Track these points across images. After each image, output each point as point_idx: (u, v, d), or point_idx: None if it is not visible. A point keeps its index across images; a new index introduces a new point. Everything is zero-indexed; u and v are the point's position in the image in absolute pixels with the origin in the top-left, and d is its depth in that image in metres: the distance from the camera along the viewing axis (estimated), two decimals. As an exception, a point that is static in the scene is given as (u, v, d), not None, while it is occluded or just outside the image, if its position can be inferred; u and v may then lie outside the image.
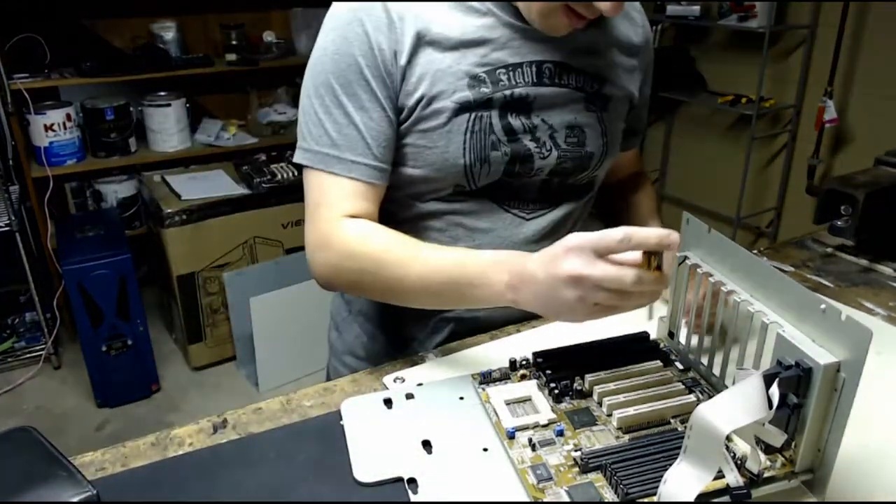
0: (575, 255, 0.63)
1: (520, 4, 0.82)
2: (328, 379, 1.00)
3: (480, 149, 0.84)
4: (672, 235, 0.61)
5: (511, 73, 0.84)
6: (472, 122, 0.83)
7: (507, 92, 0.83)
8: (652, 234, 0.61)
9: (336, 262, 0.82)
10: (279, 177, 2.57)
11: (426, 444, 0.68)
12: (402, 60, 0.80)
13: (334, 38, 0.81)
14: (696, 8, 2.87)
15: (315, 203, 0.84)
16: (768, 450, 0.62)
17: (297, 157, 0.86)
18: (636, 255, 0.63)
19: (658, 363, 0.76)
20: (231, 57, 3.03)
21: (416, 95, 0.81)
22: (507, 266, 0.71)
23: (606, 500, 0.60)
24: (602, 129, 0.91)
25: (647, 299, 0.65)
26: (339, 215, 0.82)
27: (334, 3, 0.83)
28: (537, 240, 0.92)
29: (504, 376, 0.76)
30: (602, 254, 0.63)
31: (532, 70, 0.85)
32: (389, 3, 0.80)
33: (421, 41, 0.81)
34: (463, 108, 0.82)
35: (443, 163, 0.84)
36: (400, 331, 0.97)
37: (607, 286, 0.62)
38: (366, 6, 0.80)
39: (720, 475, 0.58)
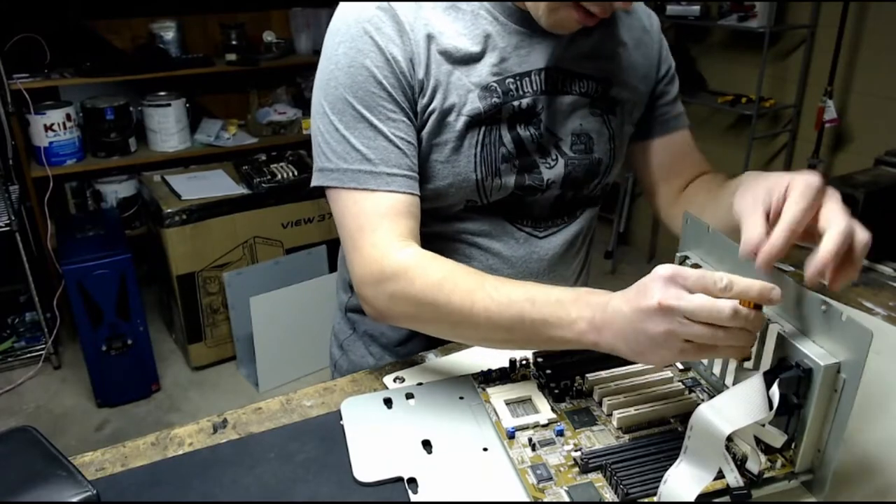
0: (666, 284, 0.57)
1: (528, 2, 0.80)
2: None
3: (491, 162, 0.83)
4: (775, 291, 0.57)
5: (519, 83, 0.83)
6: (483, 135, 0.82)
7: (515, 103, 0.83)
8: (754, 286, 0.57)
9: (392, 293, 0.74)
10: (279, 177, 2.58)
11: (426, 444, 0.68)
12: (421, 72, 0.79)
13: (345, 50, 0.78)
14: (696, 8, 2.86)
15: (356, 227, 0.77)
16: (768, 450, 0.62)
17: (322, 180, 0.80)
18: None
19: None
20: (231, 57, 3.03)
21: (430, 108, 0.80)
22: (588, 303, 0.64)
23: (606, 500, 0.60)
24: (609, 134, 0.90)
25: (742, 341, 0.58)
26: (388, 239, 0.76)
27: (336, 17, 0.81)
28: (550, 258, 0.92)
29: (504, 376, 0.76)
30: (695, 292, 0.57)
31: (540, 78, 0.84)
32: (398, 14, 0.78)
33: (433, 51, 0.79)
34: (474, 121, 0.81)
35: (454, 177, 0.83)
36: (408, 351, 0.95)
37: (702, 318, 0.56)
38: (372, 19, 0.78)
39: (720, 475, 0.58)
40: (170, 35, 2.97)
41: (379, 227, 0.76)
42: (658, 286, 0.58)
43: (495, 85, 0.82)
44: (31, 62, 2.66)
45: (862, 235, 0.62)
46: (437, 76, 0.79)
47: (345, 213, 0.79)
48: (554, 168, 0.87)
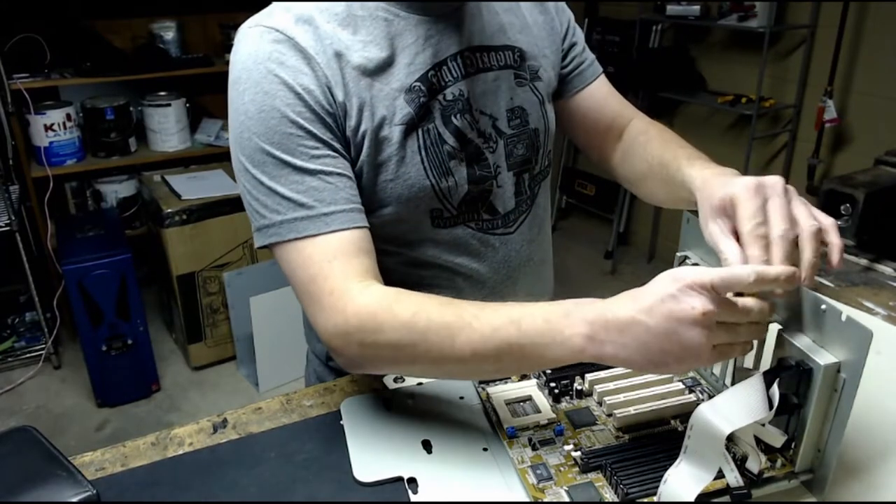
0: (698, 292, 0.55)
1: None
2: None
3: (440, 163, 0.80)
4: (797, 274, 0.58)
5: (439, 73, 0.80)
6: (423, 138, 0.79)
7: (441, 95, 0.80)
8: (781, 271, 0.57)
9: (362, 342, 0.68)
10: (279, 177, 2.57)
11: (426, 444, 0.68)
12: (340, 94, 0.74)
13: (252, 97, 0.72)
14: (696, 8, 2.86)
15: (308, 279, 0.72)
16: (768, 450, 0.62)
17: (262, 240, 0.74)
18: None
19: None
20: (231, 57, 3.03)
21: (361, 129, 0.75)
22: (584, 317, 0.60)
23: (606, 500, 0.60)
24: (540, 100, 0.89)
25: (754, 335, 0.59)
26: (344, 283, 0.70)
27: (234, 65, 0.75)
28: (525, 248, 0.91)
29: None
30: (724, 293, 0.56)
31: (457, 63, 0.81)
32: (298, 42, 0.73)
33: (347, 69, 0.74)
34: (409, 127, 0.77)
35: (409, 191, 0.79)
36: None
37: (738, 320, 0.57)
38: (272, 55, 0.72)
39: (720, 475, 0.58)
40: (170, 35, 2.97)
41: (331, 273, 0.71)
42: (693, 295, 0.55)
43: (418, 84, 0.78)
44: (31, 62, 2.65)
45: (806, 224, 0.62)
46: (358, 94, 0.75)
47: (292, 266, 0.73)
48: (496, 151, 0.85)
